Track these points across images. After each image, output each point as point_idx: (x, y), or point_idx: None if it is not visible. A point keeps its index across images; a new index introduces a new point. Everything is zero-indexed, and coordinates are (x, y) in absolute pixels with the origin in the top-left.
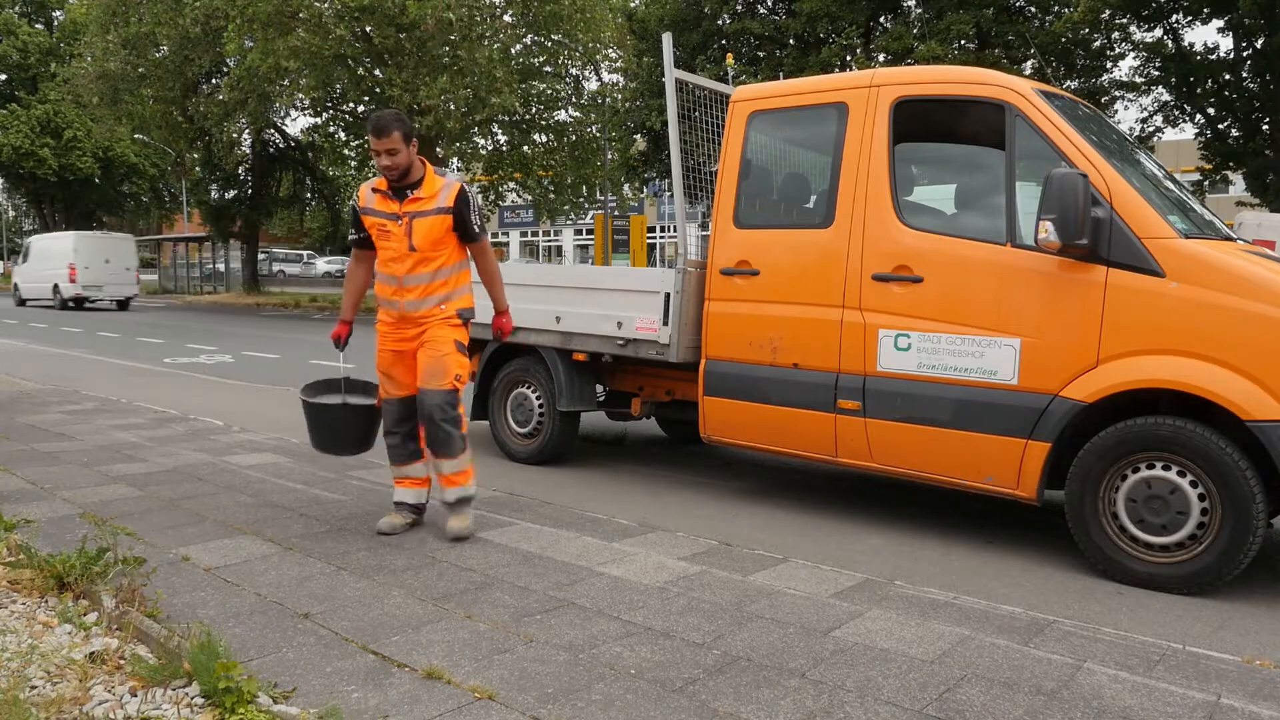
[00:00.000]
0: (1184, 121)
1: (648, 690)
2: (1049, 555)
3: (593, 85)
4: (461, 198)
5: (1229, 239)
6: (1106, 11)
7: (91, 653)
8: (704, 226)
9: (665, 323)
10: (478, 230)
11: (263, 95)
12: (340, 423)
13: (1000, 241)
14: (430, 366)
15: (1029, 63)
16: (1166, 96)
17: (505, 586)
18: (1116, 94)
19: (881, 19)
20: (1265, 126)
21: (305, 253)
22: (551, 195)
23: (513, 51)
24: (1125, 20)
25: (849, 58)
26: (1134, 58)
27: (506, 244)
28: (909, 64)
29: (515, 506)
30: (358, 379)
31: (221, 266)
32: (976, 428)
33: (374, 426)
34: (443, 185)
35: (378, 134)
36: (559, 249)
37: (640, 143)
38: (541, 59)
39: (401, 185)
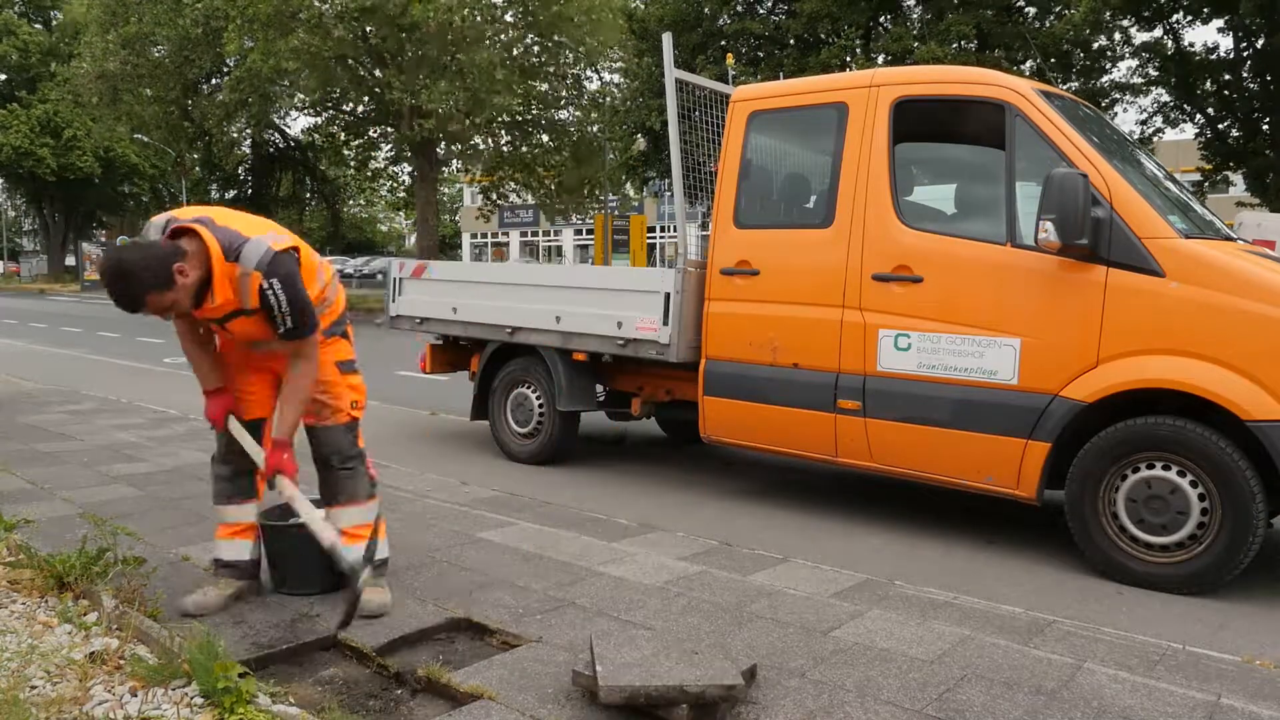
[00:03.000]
0: (1184, 122)
1: None
2: (1049, 555)
3: (593, 85)
4: (263, 297)
5: (1229, 239)
6: (1107, 12)
7: (91, 653)
8: (704, 226)
9: (665, 322)
10: (288, 327)
11: (263, 96)
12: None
13: (1000, 241)
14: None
15: (1029, 63)
16: (1166, 97)
17: (505, 586)
18: (1116, 95)
19: (881, 20)
20: (1265, 126)
21: None
22: (555, 197)
23: (514, 52)
24: (1125, 21)
25: (849, 58)
26: (1134, 58)
27: (506, 244)
28: (909, 64)
29: (515, 506)
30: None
31: None
32: (976, 428)
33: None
34: (238, 275)
35: (132, 308)
36: (559, 249)
37: (640, 143)
38: (542, 59)
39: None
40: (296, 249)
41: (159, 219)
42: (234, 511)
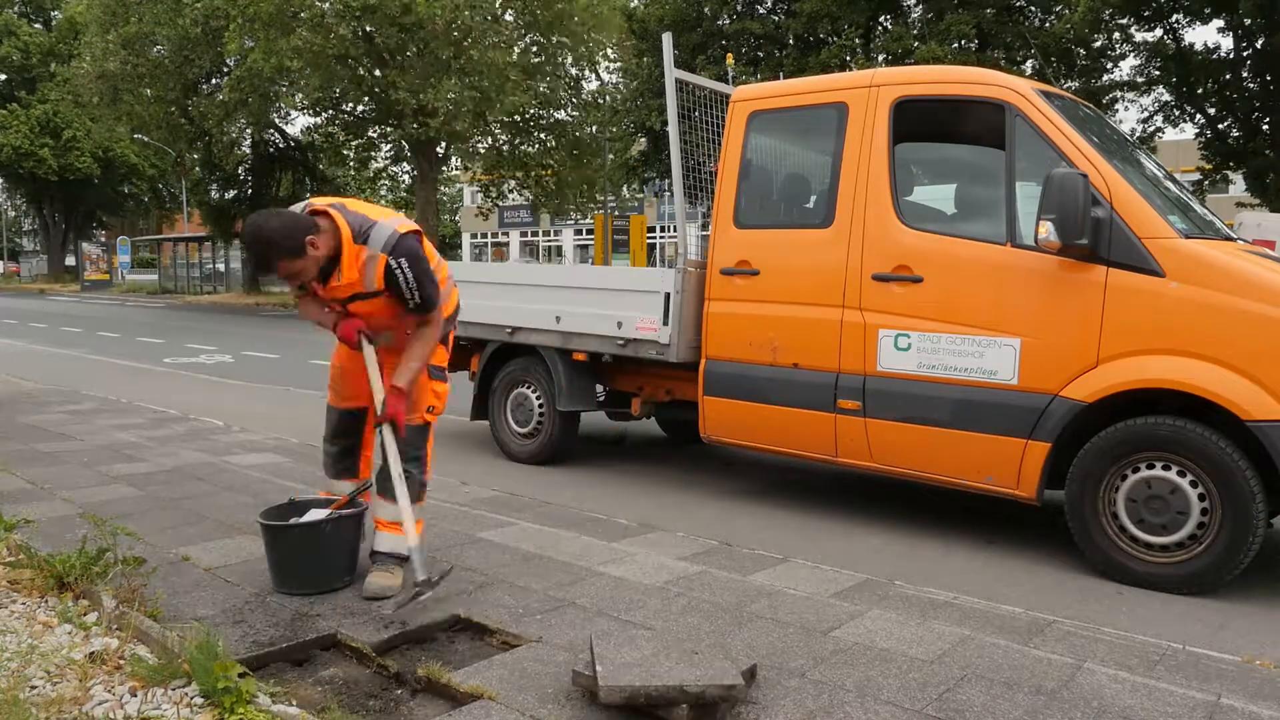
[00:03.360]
0: (1184, 121)
1: None
2: (1049, 555)
3: (591, 85)
4: (389, 276)
5: (1229, 239)
6: (1107, 12)
7: (91, 653)
8: (704, 226)
9: (665, 322)
10: (416, 302)
11: (263, 95)
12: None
13: (1000, 241)
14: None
15: (1029, 63)
16: (1167, 97)
17: (505, 586)
18: (1116, 94)
19: (881, 19)
20: (1265, 126)
21: None
22: (551, 196)
23: (515, 51)
24: (1126, 20)
25: (849, 58)
26: (1134, 57)
27: (506, 244)
28: (909, 64)
29: (515, 506)
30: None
31: (221, 266)
32: (976, 428)
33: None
34: (365, 259)
35: (264, 271)
36: (559, 249)
37: (640, 143)
38: (541, 59)
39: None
40: (419, 232)
41: (295, 206)
42: (341, 486)
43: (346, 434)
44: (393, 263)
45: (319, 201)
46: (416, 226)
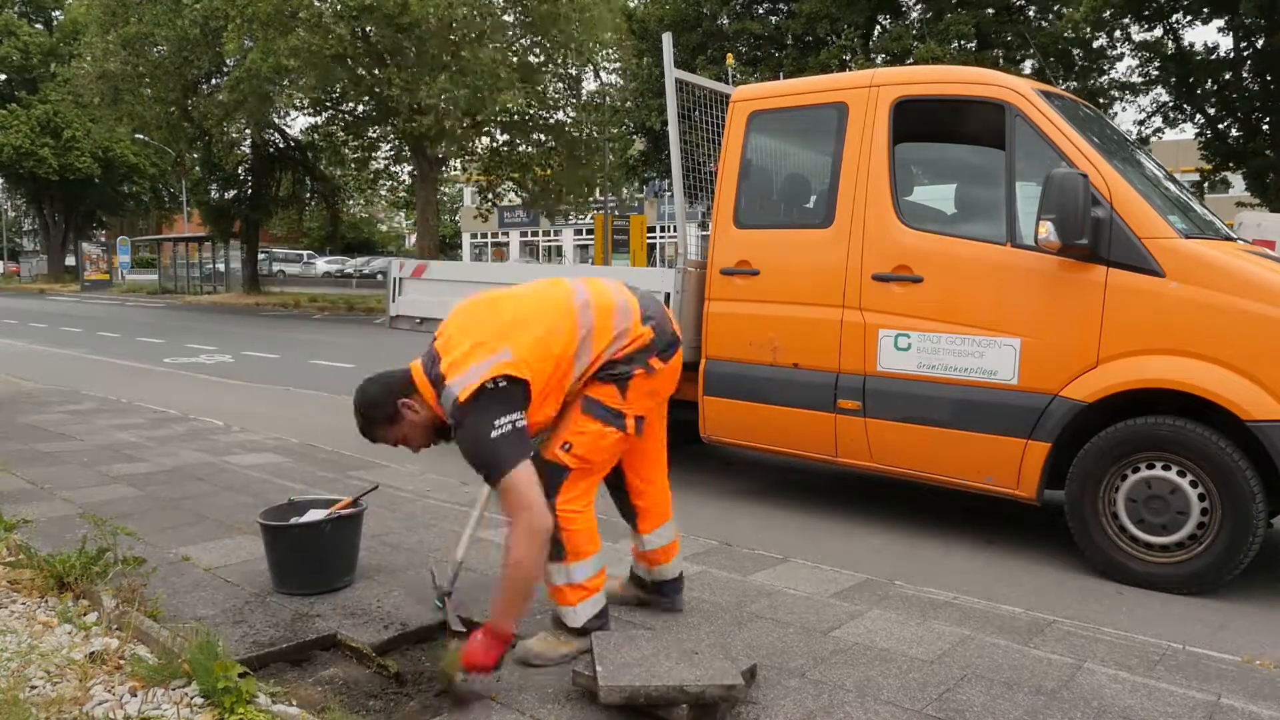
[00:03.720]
0: (1184, 121)
1: None
2: (1049, 555)
3: (590, 85)
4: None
5: (1229, 239)
6: (1107, 11)
7: (91, 653)
8: (704, 226)
9: None
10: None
11: (262, 95)
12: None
13: (1000, 241)
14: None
15: (1028, 63)
16: (1166, 97)
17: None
18: (1116, 94)
19: (881, 19)
20: (1265, 126)
21: (305, 253)
22: (548, 197)
23: (512, 51)
24: (1126, 20)
25: (848, 58)
26: (1134, 57)
27: (506, 244)
28: (908, 64)
29: None
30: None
31: (221, 266)
32: (976, 427)
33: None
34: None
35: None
36: (559, 249)
37: (640, 143)
38: (540, 59)
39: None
40: (507, 378)
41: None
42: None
43: (613, 488)
44: (456, 433)
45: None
46: (500, 369)
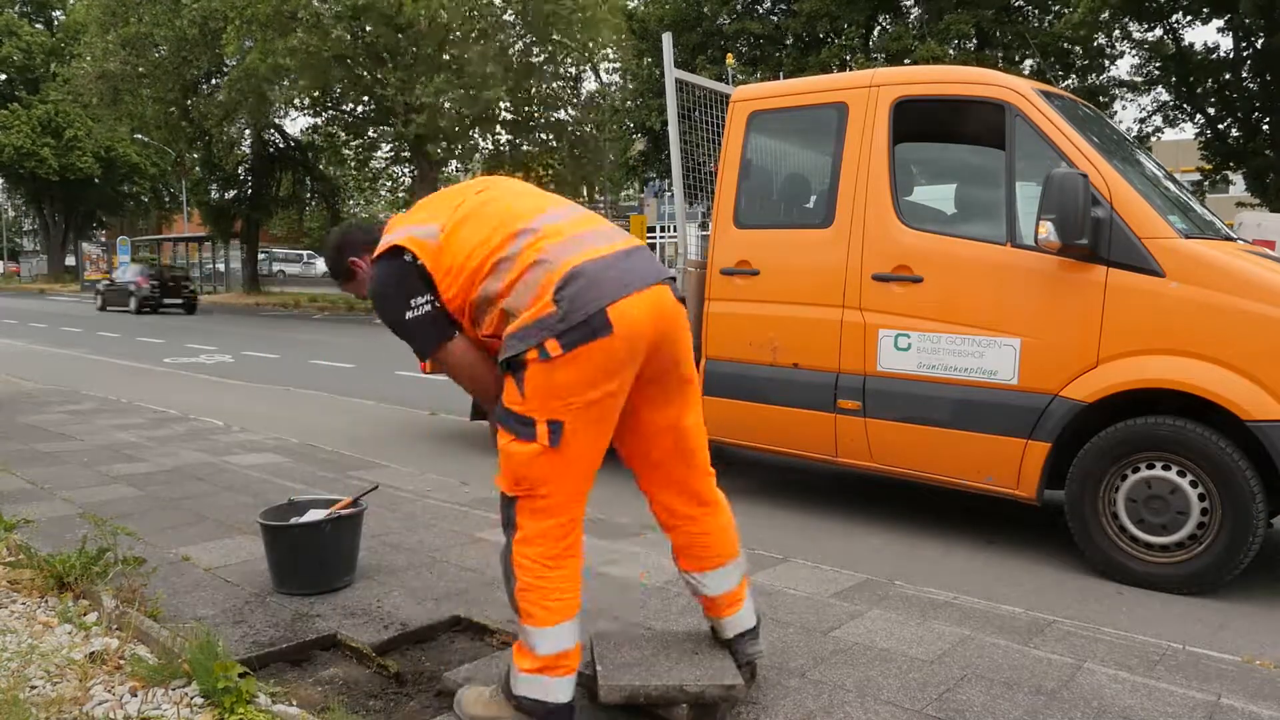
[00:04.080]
0: (1184, 121)
1: None
2: (1049, 555)
3: (591, 85)
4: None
5: (1229, 239)
6: (1106, 11)
7: (91, 653)
8: (704, 226)
9: None
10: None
11: (261, 95)
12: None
13: (1000, 241)
14: None
15: (1028, 62)
16: (1166, 96)
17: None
18: (1115, 93)
19: (881, 19)
20: (1265, 126)
21: (305, 253)
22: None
23: (511, 51)
24: (1125, 20)
25: (848, 58)
26: (1134, 57)
27: None
28: (908, 64)
29: None
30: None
31: (221, 266)
32: (976, 428)
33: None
34: None
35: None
36: None
37: (640, 143)
38: (541, 59)
39: None
40: (405, 249)
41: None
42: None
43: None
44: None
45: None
46: (408, 239)
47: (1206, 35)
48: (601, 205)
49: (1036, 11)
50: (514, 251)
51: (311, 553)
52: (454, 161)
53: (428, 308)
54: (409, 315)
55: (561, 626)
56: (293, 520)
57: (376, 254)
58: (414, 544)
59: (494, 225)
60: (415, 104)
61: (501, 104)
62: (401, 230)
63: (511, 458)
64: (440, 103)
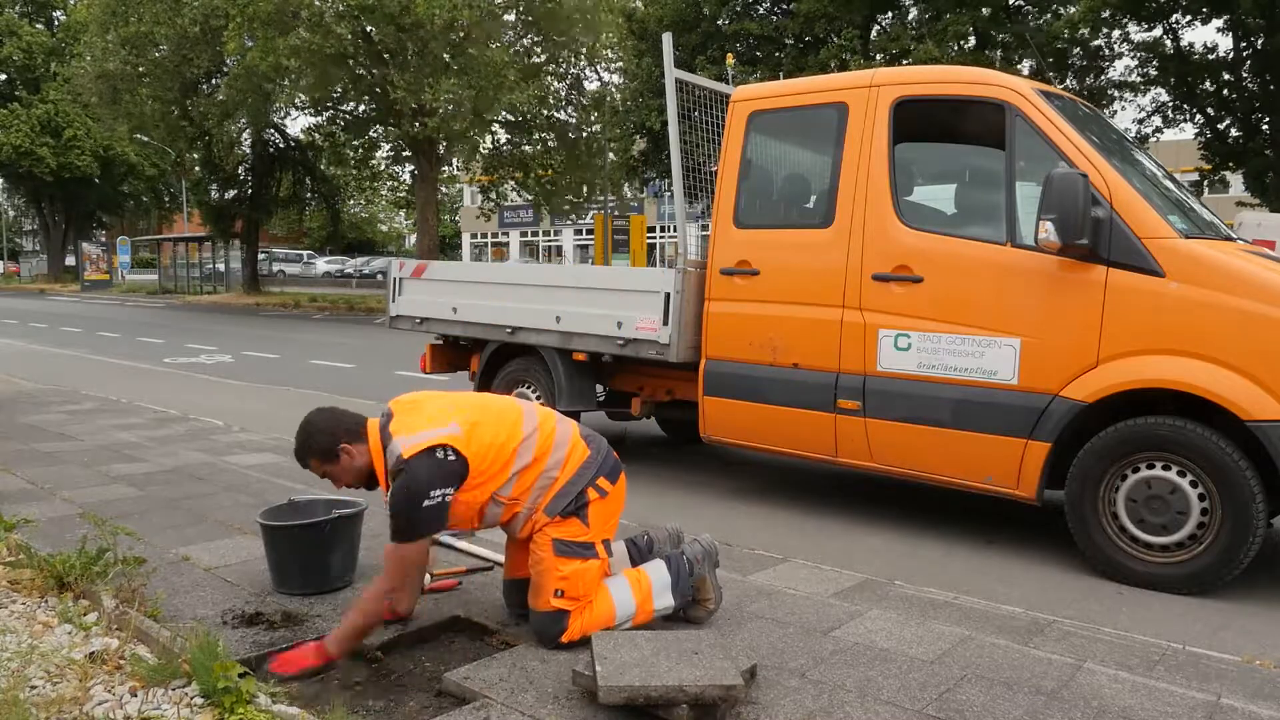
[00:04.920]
0: (1183, 121)
1: None
2: (1049, 555)
3: (592, 85)
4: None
5: (1229, 239)
6: (1106, 11)
7: (91, 653)
8: (704, 226)
9: (665, 322)
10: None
11: (262, 95)
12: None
13: (1000, 241)
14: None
15: (1027, 63)
16: (1165, 97)
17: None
18: (1115, 93)
19: (880, 19)
20: (1265, 126)
21: (305, 253)
22: (552, 195)
23: (515, 51)
24: (1124, 20)
25: (847, 58)
26: (1133, 57)
27: (506, 244)
28: (907, 64)
29: None
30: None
31: (221, 266)
32: (976, 427)
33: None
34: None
35: (300, 462)
36: (559, 249)
37: (640, 143)
38: (543, 59)
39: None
40: (448, 448)
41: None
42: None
43: (519, 604)
44: (390, 485)
45: (397, 403)
46: (445, 439)
47: (1206, 35)
48: (600, 207)
49: (1035, 11)
50: (529, 431)
51: (313, 553)
52: (456, 160)
53: (440, 500)
54: (426, 503)
55: (620, 610)
56: (296, 521)
57: (414, 452)
58: None
59: (503, 414)
60: (427, 107)
61: (517, 105)
62: (421, 436)
63: (581, 576)
64: (452, 107)
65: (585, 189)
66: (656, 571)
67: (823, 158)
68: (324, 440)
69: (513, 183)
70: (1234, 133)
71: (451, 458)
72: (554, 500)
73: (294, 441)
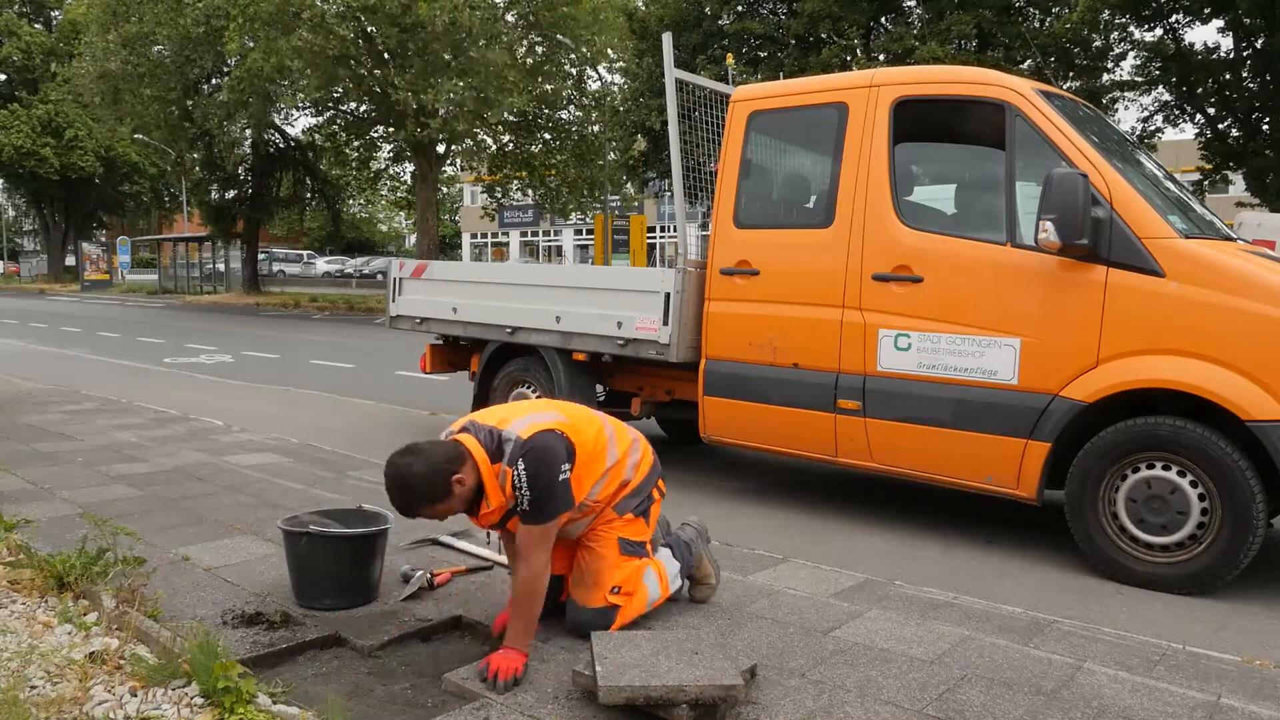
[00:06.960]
0: (1184, 121)
1: None
2: (1049, 555)
3: (594, 85)
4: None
5: (1229, 239)
6: (1106, 11)
7: (91, 653)
8: (704, 226)
9: (665, 322)
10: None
11: (264, 95)
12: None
13: (1000, 241)
14: (579, 570)
15: (1028, 63)
16: (1167, 96)
17: (505, 587)
18: (1116, 94)
19: (882, 19)
20: (1265, 126)
21: (305, 253)
22: (559, 193)
23: (518, 52)
24: (1125, 20)
25: (849, 58)
26: (1134, 57)
27: (506, 244)
28: (909, 64)
29: None
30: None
31: (221, 266)
32: (976, 427)
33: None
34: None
35: (407, 515)
36: (559, 249)
37: (640, 143)
38: (545, 59)
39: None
40: (560, 431)
41: (444, 433)
42: None
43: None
44: (514, 471)
45: (456, 425)
46: (558, 424)
47: (1206, 35)
48: (602, 207)
49: (1037, 12)
50: (611, 433)
51: (357, 563)
52: (457, 160)
53: (567, 474)
54: (561, 477)
55: (650, 600)
56: (313, 529)
57: (534, 430)
58: (413, 545)
59: (591, 426)
60: (430, 109)
61: (518, 107)
62: (529, 420)
63: (637, 574)
64: (456, 109)
65: (588, 188)
66: (668, 559)
67: (823, 158)
68: (431, 482)
69: (517, 182)
70: (1234, 133)
71: (568, 442)
72: (626, 499)
73: (394, 498)
